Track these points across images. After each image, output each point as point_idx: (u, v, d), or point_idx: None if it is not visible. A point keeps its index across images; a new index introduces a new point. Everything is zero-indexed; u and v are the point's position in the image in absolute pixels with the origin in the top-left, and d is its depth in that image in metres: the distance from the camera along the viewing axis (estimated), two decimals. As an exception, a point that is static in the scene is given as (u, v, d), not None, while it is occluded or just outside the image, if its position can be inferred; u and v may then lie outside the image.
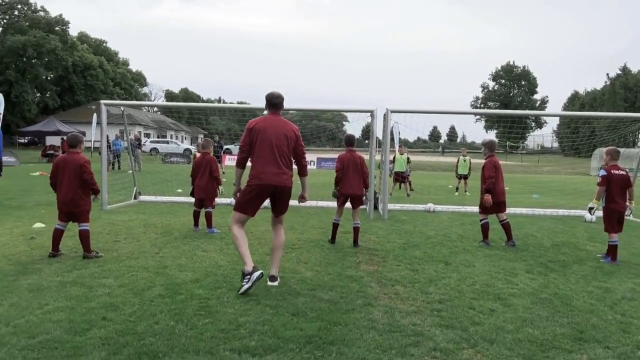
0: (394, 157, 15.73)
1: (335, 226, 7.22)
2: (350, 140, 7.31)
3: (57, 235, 5.94)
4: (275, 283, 4.97)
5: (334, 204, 11.23)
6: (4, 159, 23.16)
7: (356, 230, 7.11)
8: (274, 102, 4.97)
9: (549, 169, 40.61)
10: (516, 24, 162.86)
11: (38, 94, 55.13)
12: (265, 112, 5.17)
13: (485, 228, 7.51)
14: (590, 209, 6.87)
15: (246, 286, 4.57)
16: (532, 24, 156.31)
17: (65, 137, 33.28)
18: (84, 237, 5.90)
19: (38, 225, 7.88)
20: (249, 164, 5.01)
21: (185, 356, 3.30)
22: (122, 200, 11.21)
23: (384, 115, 10.25)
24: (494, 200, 7.25)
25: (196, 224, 7.96)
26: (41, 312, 4.01)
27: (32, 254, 6.03)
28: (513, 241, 7.40)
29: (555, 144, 64.61)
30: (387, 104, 16.58)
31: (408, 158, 16.08)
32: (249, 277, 4.59)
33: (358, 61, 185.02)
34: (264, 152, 4.81)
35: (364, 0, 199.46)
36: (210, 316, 4.04)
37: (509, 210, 11.34)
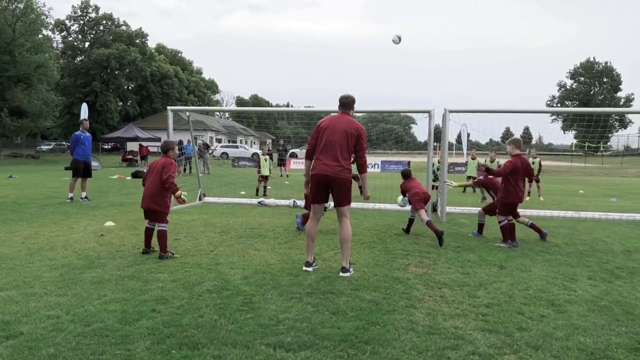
0: (466, 162, 15.30)
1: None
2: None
3: (147, 234, 6.28)
4: (347, 274, 5.31)
5: (391, 206, 11.09)
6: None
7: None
8: (343, 102, 5.57)
9: (634, 171, 37.73)
10: (594, 17, 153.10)
11: (120, 103, 59.05)
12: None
13: (505, 229, 7.24)
14: None
15: (305, 269, 5.50)
16: (612, 16, 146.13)
17: (142, 143, 35.37)
18: (161, 237, 6.07)
19: (109, 223, 8.45)
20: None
21: (223, 348, 3.41)
22: (188, 202, 11.72)
23: (443, 115, 10.02)
24: (515, 202, 7.24)
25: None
26: (99, 303, 4.31)
27: (99, 249, 6.47)
28: (511, 242, 7.20)
29: (643, 145, 59.98)
30: (458, 105, 16.14)
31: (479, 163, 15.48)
32: (307, 266, 5.53)
33: (426, 62, 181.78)
34: (323, 146, 5.35)
35: (429, 1, 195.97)
36: (252, 312, 4.15)
37: (580, 214, 10.77)
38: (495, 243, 7.29)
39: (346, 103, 5.52)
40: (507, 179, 7.19)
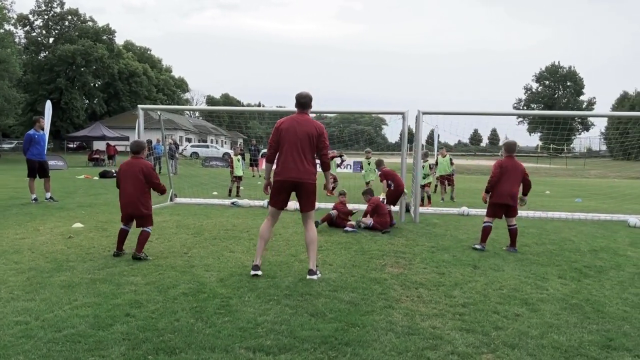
0: (437, 161, 15.35)
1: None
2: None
3: (122, 236, 6.13)
4: (314, 277, 5.20)
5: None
6: (53, 162, 24.28)
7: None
8: (301, 101, 5.36)
9: (596, 172, 39.03)
10: (560, 23, 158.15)
11: (86, 101, 57.48)
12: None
13: (485, 231, 7.12)
14: None
15: (253, 272, 5.26)
16: (577, 23, 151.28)
17: (109, 142, 34.55)
18: (144, 238, 6.00)
19: (77, 225, 8.19)
20: None
21: (201, 353, 3.34)
22: (158, 202, 11.49)
23: (416, 117, 10.12)
24: (498, 202, 7.04)
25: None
26: (69, 307, 4.16)
27: (68, 252, 6.27)
28: (515, 248, 7.07)
29: (604, 147, 62.15)
30: (427, 106, 16.33)
31: (451, 159, 15.51)
32: (255, 269, 5.29)
33: (397, 63, 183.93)
34: (286, 150, 5.23)
35: (403, 3, 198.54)
36: (229, 315, 4.09)
37: (548, 214, 11.04)
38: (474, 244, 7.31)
39: (305, 103, 5.32)
40: (497, 180, 7.09)
